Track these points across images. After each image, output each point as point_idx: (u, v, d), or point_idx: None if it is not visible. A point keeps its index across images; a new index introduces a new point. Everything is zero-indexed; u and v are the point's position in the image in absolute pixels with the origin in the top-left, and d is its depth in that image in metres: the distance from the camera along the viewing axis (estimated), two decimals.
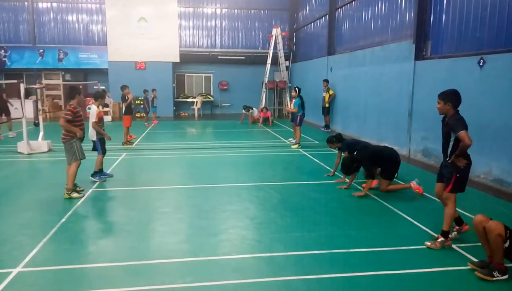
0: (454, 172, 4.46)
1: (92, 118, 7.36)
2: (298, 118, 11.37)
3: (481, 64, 7.47)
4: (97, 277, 3.94)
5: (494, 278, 3.74)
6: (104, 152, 7.62)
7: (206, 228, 5.21)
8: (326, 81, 15.00)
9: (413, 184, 6.95)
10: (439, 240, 4.57)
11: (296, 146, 11.32)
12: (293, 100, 12.13)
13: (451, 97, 4.58)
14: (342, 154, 7.71)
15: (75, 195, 6.45)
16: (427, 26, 9.45)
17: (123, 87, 12.08)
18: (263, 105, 18.73)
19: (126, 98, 11.97)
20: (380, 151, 7.16)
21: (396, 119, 10.57)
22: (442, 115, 4.72)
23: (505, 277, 3.76)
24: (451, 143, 4.50)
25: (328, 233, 5.06)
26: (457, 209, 4.76)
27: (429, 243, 4.60)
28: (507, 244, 3.69)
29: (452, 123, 4.42)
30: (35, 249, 4.49)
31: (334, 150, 7.97)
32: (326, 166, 8.82)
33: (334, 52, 15.65)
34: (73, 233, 5.01)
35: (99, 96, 7.70)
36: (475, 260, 4.12)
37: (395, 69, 10.65)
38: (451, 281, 3.82)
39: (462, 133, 4.29)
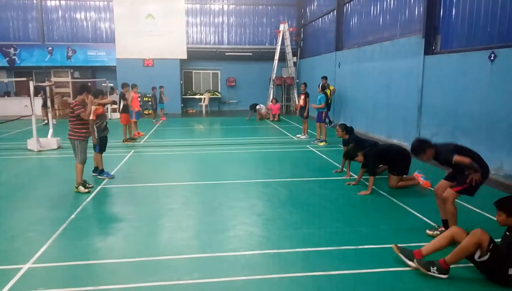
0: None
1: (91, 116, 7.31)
2: (324, 115, 11.34)
3: (492, 58, 7.35)
4: (106, 273, 3.96)
5: (430, 273, 3.72)
6: (100, 150, 7.55)
7: (214, 224, 5.21)
8: (325, 78, 14.89)
9: (421, 180, 6.92)
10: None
11: (323, 143, 11.18)
12: (302, 95, 12.11)
13: None
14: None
15: (81, 188, 6.52)
16: (437, 20, 9.32)
17: (124, 85, 11.96)
18: (271, 97, 18.64)
19: (125, 96, 11.76)
20: (388, 148, 7.15)
21: (405, 115, 10.47)
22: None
23: (444, 277, 3.70)
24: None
25: (336, 229, 5.02)
26: (467, 205, 4.72)
27: (430, 232, 4.63)
28: (486, 257, 3.56)
29: (444, 158, 4.48)
30: (45, 245, 4.52)
31: (339, 137, 8.05)
32: (334, 162, 8.77)
33: (342, 47, 15.53)
34: (82, 229, 5.04)
35: (99, 94, 7.68)
36: None
37: (404, 64, 10.54)
38: (460, 278, 3.77)
39: (456, 157, 4.28)
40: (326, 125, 14.77)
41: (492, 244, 3.57)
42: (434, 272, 3.73)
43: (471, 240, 3.63)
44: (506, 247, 3.67)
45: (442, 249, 3.85)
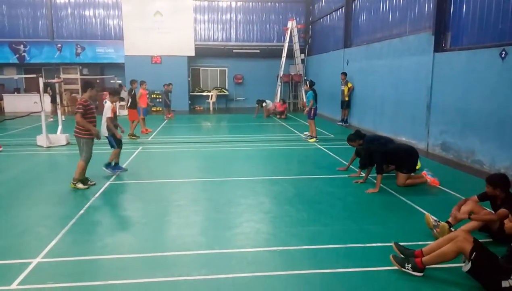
0: None
1: (107, 114, 7.33)
2: (312, 111, 11.27)
3: (503, 56, 7.26)
4: (114, 268, 3.99)
5: (404, 269, 3.77)
6: (120, 146, 7.65)
7: (221, 221, 5.22)
8: (344, 74, 14.78)
9: (428, 177, 6.88)
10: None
11: (313, 139, 11.21)
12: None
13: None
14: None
15: (80, 185, 6.55)
16: (447, 17, 9.23)
17: (132, 82, 12.27)
18: (279, 98, 18.69)
19: (133, 92, 12.09)
20: (397, 149, 7.05)
21: (414, 112, 10.38)
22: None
23: (419, 274, 3.73)
24: None
25: (344, 227, 5.01)
26: None
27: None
28: (468, 267, 3.49)
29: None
30: (54, 240, 4.57)
31: (356, 147, 7.53)
32: (342, 160, 8.74)
33: (350, 44, 15.44)
34: (91, 225, 5.09)
35: (116, 94, 7.72)
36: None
37: (413, 61, 10.45)
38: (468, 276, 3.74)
39: None
40: (340, 125, 14.81)
41: (475, 253, 3.48)
42: (408, 269, 3.77)
43: (451, 247, 3.61)
44: (506, 258, 3.53)
45: None
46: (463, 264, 3.65)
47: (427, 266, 3.76)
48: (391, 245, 4.24)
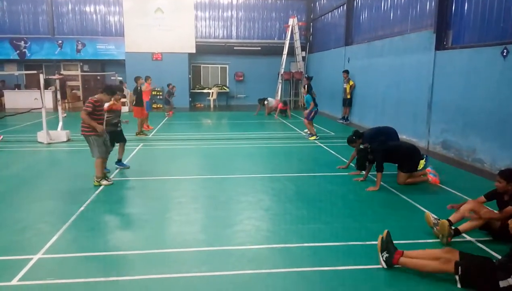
0: None
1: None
2: (313, 114, 11.22)
3: (504, 54, 7.24)
4: (114, 264, 4.00)
5: (380, 255, 3.87)
6: (112, 144, 7.54)
7: (222, 219, 5.23)
8: (346, 72, 14.74)
9: (430, 176, 6.87)
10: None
11: (314, 137, 11.18)
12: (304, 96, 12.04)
13: None
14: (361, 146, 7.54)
15: (104, 182, 6.57)
16: (449, 15, 9.20)
17: (137, 78, 12.13)
18: (279, 98, 18.69)
19: (138, 89, 11.87)
20: (397, 147, 7.01)
21: (415, 111, 10.37)
22: None
23: (385, 267, 3.81)
24: None
25: (344, 225, 5.02)
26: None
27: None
28: (459, 284, 3.50)
29: None
30: (55, 236, 4.58)
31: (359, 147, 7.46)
32: (342, 157, 8.74)
33: (351, 42, 15.41)
34: (91, 222, 5.10)
35: (108, 91, 7.60)
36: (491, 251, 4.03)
37: (414, 59, 10.42)
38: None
39: None
40: (341, 122, 14.79)
41: (460, 267, 3.48)
42: (382, 257, 3.82)
43: (435, 266, 3.62)
44: (508, 257, 3.49)
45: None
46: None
47: (398, 266, 3.77)
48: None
